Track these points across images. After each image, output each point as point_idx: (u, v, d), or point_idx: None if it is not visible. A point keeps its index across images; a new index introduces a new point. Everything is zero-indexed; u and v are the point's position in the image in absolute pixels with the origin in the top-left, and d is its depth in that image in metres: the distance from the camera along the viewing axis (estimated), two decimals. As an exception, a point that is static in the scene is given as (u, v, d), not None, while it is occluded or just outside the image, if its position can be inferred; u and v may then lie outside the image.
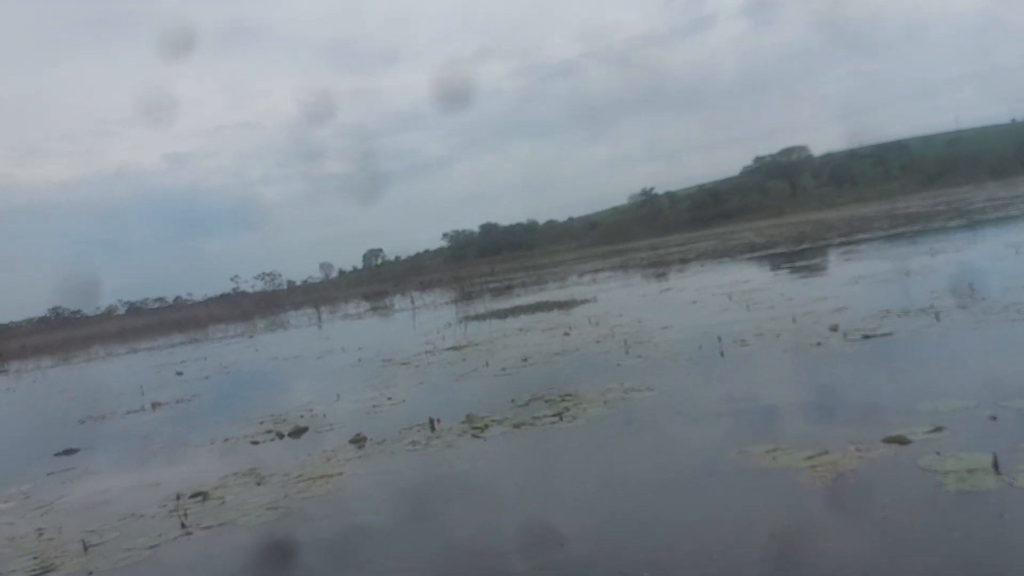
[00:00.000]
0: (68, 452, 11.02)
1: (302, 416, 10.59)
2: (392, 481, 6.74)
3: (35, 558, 6.15)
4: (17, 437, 14.77)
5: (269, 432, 9.84)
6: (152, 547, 5.90)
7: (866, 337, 9.26)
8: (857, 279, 15.85)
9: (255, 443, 9.34)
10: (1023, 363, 7.05)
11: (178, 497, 7.01)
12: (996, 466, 4.54)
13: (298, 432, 9.55)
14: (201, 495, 7.12)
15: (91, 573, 5.57)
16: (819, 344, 9.36)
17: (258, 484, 7.29)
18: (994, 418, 5.41)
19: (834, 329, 9.99)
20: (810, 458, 5.24)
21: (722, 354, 9.92)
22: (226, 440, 9.88)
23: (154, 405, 14.75)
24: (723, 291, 17.40)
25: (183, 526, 6.33)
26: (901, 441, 5.26)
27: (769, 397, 7.43)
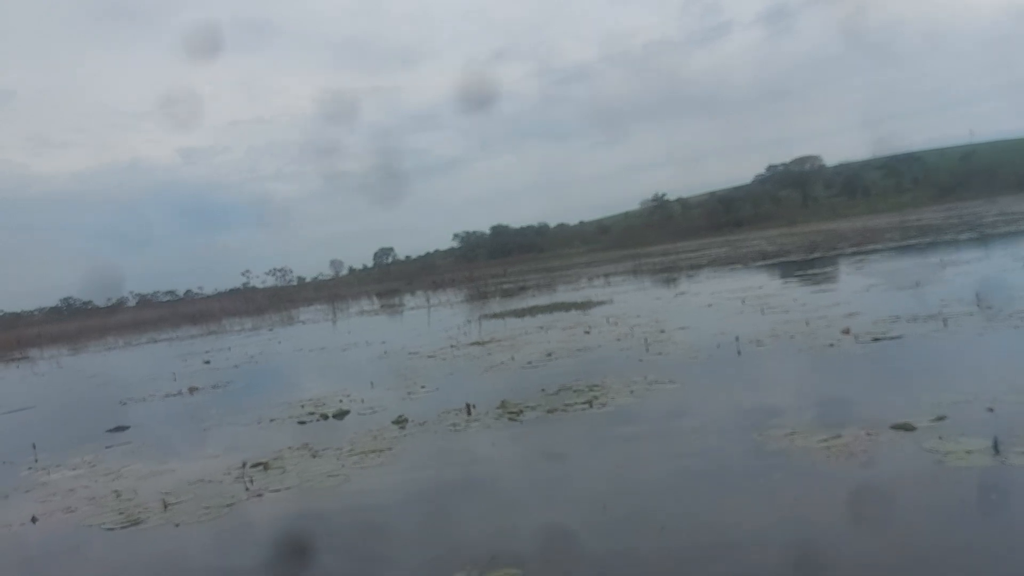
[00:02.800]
0: (119, 429, 11.74)
1: (340, 401, 11.24)
2: (441, 454, 7.40)
3: (120, 513, 6.84)
4: (65, 416, 15.52)
5: (312, 414, 10.51)
6: (228, 505, 6.58)
7: (876, 340, 9.84)
8: (868, 287, 16.39)
9: (302, 423, 10.01)
10: (1020, 364, 7.62)
11: (244, 465, 7.67)
12: (996, 447, 5.13)
13: (341, 414, 10.21)
14: (262, 465, 7.80)
15: (178, 525, 6.24)
16: (832, 345, 9.95)
17: (313, 457, 7.96)
18: (991, 410, 6.00)
19: (846, 332, 10.57)
20: (825, 440, 5.85)
21: (739, 353, 10.51)
22: (272, 420, 10.55)
23: (191, 389, 15.46)
24: (737, 296, 17.96)
25: (247, 489, 7.00)
26: (907, 428, 5.85)
27: (786, 390, 8.04)
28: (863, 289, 16.24)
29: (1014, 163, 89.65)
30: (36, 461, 10.05)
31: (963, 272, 16.68)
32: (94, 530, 6.50)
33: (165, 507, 6.78)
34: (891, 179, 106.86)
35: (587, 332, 15.35)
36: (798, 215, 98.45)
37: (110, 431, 11.59)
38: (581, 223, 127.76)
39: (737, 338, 11.17)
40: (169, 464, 8.66)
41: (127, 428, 11.71)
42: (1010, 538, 4.05)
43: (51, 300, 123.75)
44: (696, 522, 4.84)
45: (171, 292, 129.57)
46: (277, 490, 6.87)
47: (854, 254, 28.68)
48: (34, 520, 7.03)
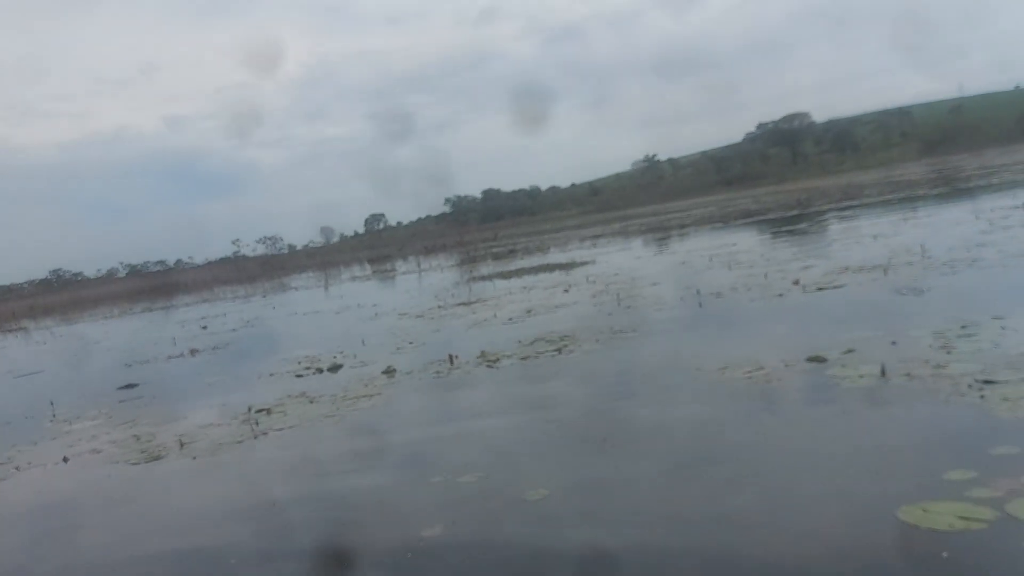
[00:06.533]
0: (129, 386, 12.65)
1: (334, 357, 12.15)
2: (424, 395, 8.38)
3: (142, 452, 7.79)
4: (74, 378, 16.42)
5: (308, 368, 11.44)
6: (238, 442, 7.54)
7: (820, 289, 10.82)
8: (831, 242, 17.33)
9: (299, 376, 10.95)
10: (934, 304, 8.60)
11: (249, 410, 8.62)
12: (883, 372, 6.11)
13: (335, 368, 11.15)
14: (265, 410, 8.74)
15: (195, 458, 7.20)
16: (780, 295, 10.91)
17: (311, 402, 8.90)
18: (894, 343, 6.97)
19: (796, 283, 11.53)
20: (749, 372, 6.83)
21: (700, 304, 11.47)
22: (271, 375, 11.48)
23: (192, 351, 16.38)
24: (710, 254, 18.89)
25: (252, 430, 7.95)
26: (819, 359, 6.82)
27: (730, 334, 9.02)
28: (826, 243, 17.20)
29: (1001, 116, 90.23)
30: (55, 415, 10.97)
31: (921, 225, 17.65)
32: (121, 465, 7.45)
33: (181, 446, 7.73)
34: (880, 134, 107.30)
35: (566, 291, 16.27)
36: (787, 173, 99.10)
37: (120, 388, 12.50)
38: (573, 185, 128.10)
39: (698, 291, 12.11)
40: (180, 413, 9.59)
41: (136, 385, 12.62)
42: (863, 427, 5.16)
43: (40, 272, 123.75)
44: (632, 433, 5.86)
45: (161, 262, 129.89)
46: (280, 429, 7.83)
47: (830, 211, 29.59)
48: (65, 460, 7.98)
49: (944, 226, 16.86)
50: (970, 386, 5.49)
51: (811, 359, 6.86)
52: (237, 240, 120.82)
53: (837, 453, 4.73)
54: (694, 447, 5.37)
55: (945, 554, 3.29)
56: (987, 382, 5.51)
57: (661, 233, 34.87)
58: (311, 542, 4.82)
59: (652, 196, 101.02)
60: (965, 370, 5.86)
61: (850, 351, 6.92)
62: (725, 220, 35.74)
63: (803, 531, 3.80)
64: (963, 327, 7.15)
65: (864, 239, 16.67)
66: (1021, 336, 6.58)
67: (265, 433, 7.74)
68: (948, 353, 6.36)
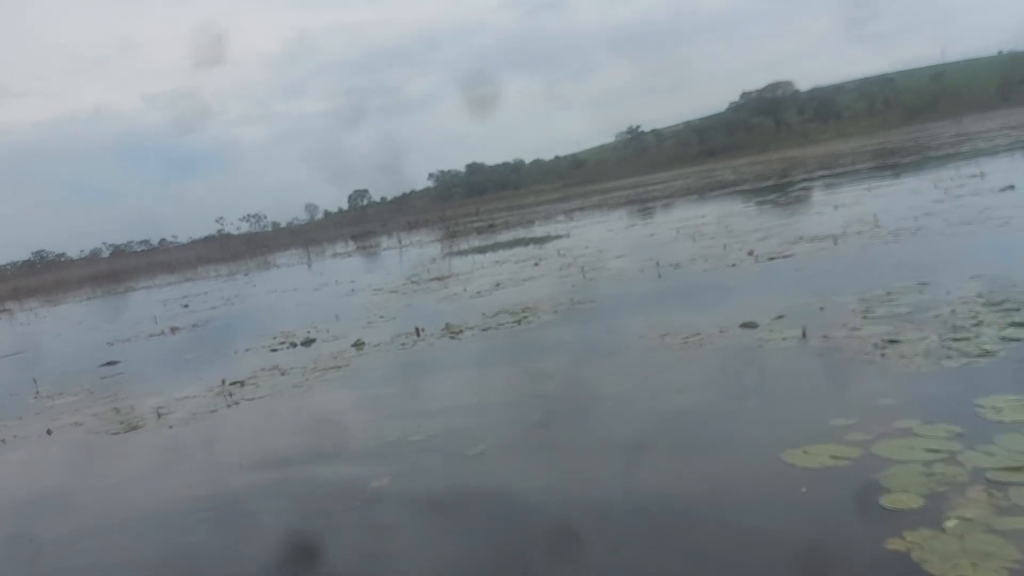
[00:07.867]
0: (110, 364, 13.02)
1: (308, 332, 12.57)
2: (388, 364, 8.86)
3: (121, 423, 8.23)
4: (58, 356, 16.72)
5: (283, 343, 11.86)
6: (212, 412, 7.99)
7: (771, 259, 11.35)
8: (794, 212, 17.87)
9: (273, 351, 11.37)
10: (869, 272, 9.12)
11: (223, 382, 9.06)
12: (804, 335, 6.64)
13: (308, 342, 11.58)
14: (238, 383, 9.18)
15: (171, 427, 7.65)
16: (734, 265, 11.44)
17: (282, 375, 9.35)
18: (822, 309, 7.50)
19: (750, 253, 12.05)
20: (686, 338, 7.35)
21: (659, 276, 11.97)
22: (247, 350, 11.89)
23: (172, 329, 16.72)
24: (679, 226, 19.37)
25: (226, 400, 8.40)
26: (751, 325, 7.35)
27: (678, 304, 9.57)
28: (788, 215, 17.72)
29: (982, 82, 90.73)
30: (38, 392, 11.35)
31: (881, 195, 18.20)
32: (102, 435, 7.89)
33: (159, 416, 8.17)
34: (863, 102, 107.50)
35: (536, 264, 16.73)
36: (770, 142, 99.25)
37: (102, 366, 12.88)
38: (556, 158, 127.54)
39: (658, 263, 12.61)
40: (158, 387, 10.00)
41: (117, 363, 13.00)
42: (771, 382, 5.76)
43: (23, 254, 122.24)
44: (579, 384, 6.47)
45: (145, 241, 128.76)
46: (252, 399, 8.28)
47: (802, 182, 30.11)
48: (49, 432, 8.41)
49: (902, 196, 17.41)
50: (876, 346, 6.03)
51: (744, 325, 7.39)
52: (221, 218, 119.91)
53: (742, 405, 5.28)
54: (616, 405, 5.91)
55: (804, 488, 3.82)
56: (891, 342, 6.06)
57: (637, 206, 35.28)
58: (271, 500, 5.31)
59: (635, 168, 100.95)
60: (876, 332, 6.40)
61: (780, 317, 7.45)
62: (701, 192, 36.19)
63: (695, 471, 4.33)
64: (888, 293, 7.69)
65: (826, 209, 17.20)
66: (937, 300, 7.12)
67: (238, 403, 8.19)
68: (865, 317, 6.90)
